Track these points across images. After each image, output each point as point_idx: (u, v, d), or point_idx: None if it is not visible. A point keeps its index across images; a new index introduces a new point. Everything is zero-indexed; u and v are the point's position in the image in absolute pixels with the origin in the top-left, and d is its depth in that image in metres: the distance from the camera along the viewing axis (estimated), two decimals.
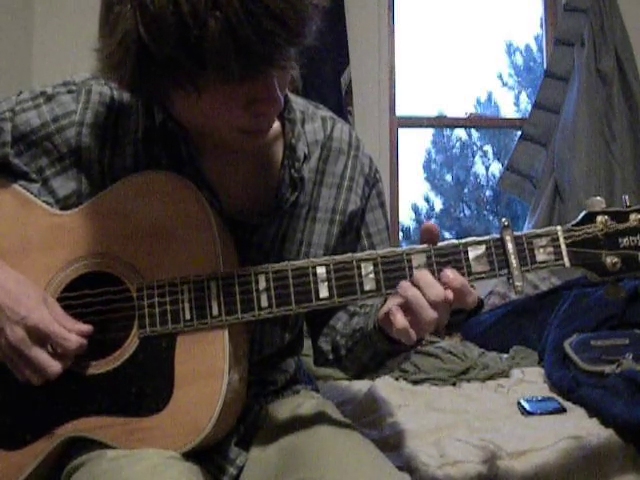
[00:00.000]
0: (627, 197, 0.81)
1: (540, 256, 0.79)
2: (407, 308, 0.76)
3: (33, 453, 0.81)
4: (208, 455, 0.84)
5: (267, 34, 0.65)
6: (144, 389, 0.79)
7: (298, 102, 0.96)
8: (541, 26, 3.15)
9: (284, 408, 0.95)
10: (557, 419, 1.29)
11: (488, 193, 8.03)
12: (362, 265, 0.79)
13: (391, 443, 1.19)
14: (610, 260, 0.79)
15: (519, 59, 8.03)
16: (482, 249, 0.79)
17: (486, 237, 0.80)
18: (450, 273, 0.77)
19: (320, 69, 2.45)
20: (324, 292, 0.79)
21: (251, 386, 0.89)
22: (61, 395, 0.81)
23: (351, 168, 0.97)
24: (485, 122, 3.80)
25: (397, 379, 1.58)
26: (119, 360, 0.81)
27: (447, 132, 7.96)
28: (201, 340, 0.79)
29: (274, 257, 0.90)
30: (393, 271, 0.79)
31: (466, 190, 8.10)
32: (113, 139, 0.87)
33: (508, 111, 8.72)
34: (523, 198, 2.84)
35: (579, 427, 1.21)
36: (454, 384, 1.59)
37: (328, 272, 0.79)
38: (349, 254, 0.80)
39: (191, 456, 0.78)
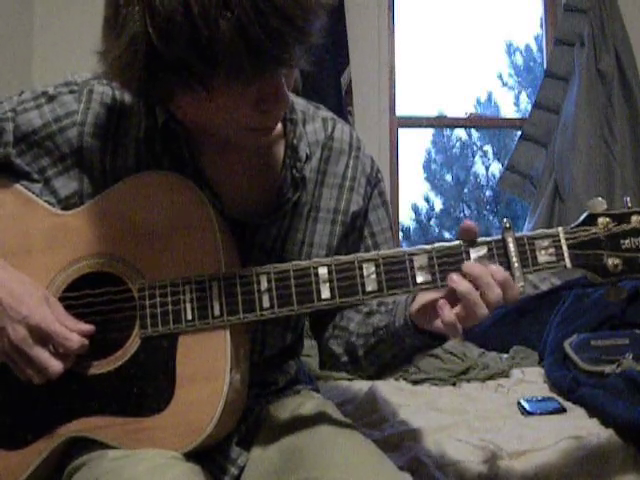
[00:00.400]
0: (628, 199, 0.81)
1: (542, 257, 0.79)
2: (456, 300, 0.76)
3: (34, 453, 0.81)
4: (209, 455, 0.84)
5: (277, 33, 0.65)
6: (145, 389, 0.79)
7: (299, 102, 0.96)
8: (541, 26, 3.15)
9: (285, 408, 0.95)
10: (557, 419, 1.29)
11: (488, 193, 8.04)
12: (364, 266, 0.79)
13: (391, 443, 1.19)
14: (611, 262, 0.79)
15: (519, 59, 8.05)
16: (484, 250, 0.79)
17: (488, 238, 0.80)
18: (495, 267, 0.77)
19: (320, 69, 2.45)
20: (326, 293, 0.79)
21: (252, 386, 0.89)
22: (62, 395, 0.81)
23: (352, 168, 0.97)
24: (485, 122, 3.81)
25: (397, 379, 1.58)
26: (120, 360, 0.81)
27: (447, 132, 7.97)
28: (203, 340, 0.79)
29: (275, 257, 0.90)
30: (395, 272, 0.79)
31: (466, 190, 8.11)
32: (115, 139, 0.87)
33: (508, 111, 8.74)
34: (523, 198, 2.85)
35: (579, 427, 1.22)
36: (454, 384, 1.59)
37: (330, 273, 0.79)
38: (351, 255, 0.81)
39: (192, 456, 0.78)
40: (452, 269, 0.78)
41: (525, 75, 7.88)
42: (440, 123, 3.70)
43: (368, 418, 1.31)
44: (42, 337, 0.78)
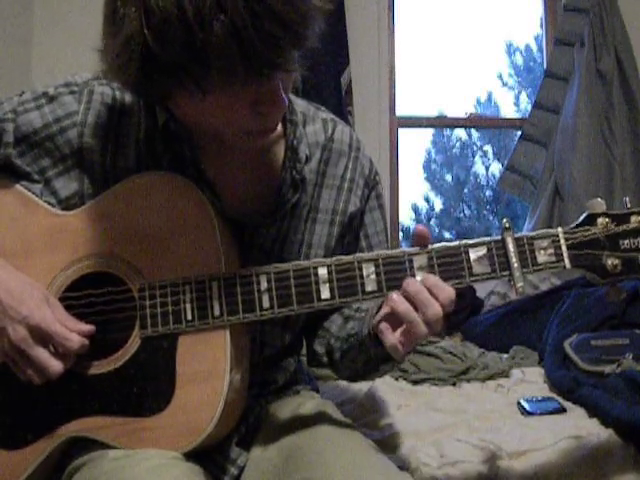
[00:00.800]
0: (628, 199, 0.81)
1: (541, 257, 0.79)
2: (397, 321, 0.76)
3: (34, 453, 0.81)
4: (209, 455, 0.84)
5: (271, 37, 0.65)
6: (145, 389, 0.79)
7: (299, 103, 0.96)
8: (541, 26, 3.15)
9: (285, 408, 0.95)
10: (557, 419, 1.29)
11: (488, 193, 8.04)
12: (363, 266, 0.79)
13: (391, 443, 1.19)
14: (611, 262, 0.79)
15: (519, 59, 8.04)
16: (483, 250, 0.79)
17: (487, 238, 0.80)
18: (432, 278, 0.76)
19: (320, 69, 2.45)
20: (326, 293, 0.79)
21: (252, 386, 0.89)
22: (62, 395, 0.81)
23: (351, 170, 0.97)
24: (485, 122, 3.80)
25: (397, 379, 1.58)
26: (121, 360, 0.81)
27: (447, 132, 7.97)
28: (202, 340, 0.79)
29: (275, 258, 0.90)
30: (394, 272, 0.79)
31: (466, 190, 8.11)
32: (115, 140, 0.87)
33: (508, 111, 8.75)
34: (523, 198, 2.85)
35: (579, 427, 1.22)
36: (454, 384, 1.59)
37: (329, 273, 0.79)
38: (351, 255, 0.81)
39: (192, 456, 0.79)
40: (452, 269, 0.79)
41: (525, 75, 7.87)
42: (440, 123, 3.70)
43: (368, 418, 1.31)
44: (42, 337, 0.78)
